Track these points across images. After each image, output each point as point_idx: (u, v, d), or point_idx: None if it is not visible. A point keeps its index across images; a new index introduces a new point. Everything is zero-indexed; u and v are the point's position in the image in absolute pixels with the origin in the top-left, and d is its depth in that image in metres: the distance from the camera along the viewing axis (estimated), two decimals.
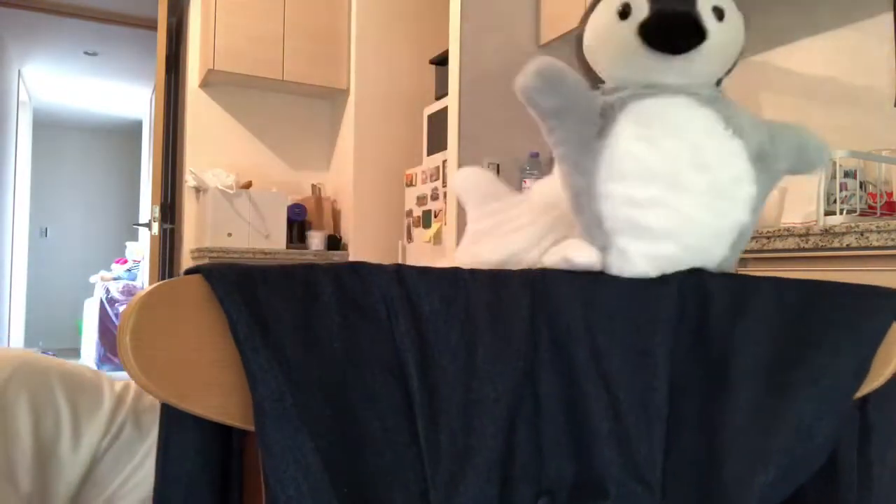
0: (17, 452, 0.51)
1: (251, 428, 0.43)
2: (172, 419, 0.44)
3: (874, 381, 0.49)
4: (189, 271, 0.45)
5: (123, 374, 0.59)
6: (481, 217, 0.71)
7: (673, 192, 0.50)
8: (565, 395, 0.47)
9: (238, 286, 0.44)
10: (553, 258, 0.54)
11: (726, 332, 0.48)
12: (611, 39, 0.55)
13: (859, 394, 0.48)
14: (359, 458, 0.44)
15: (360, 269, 0.49)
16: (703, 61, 0.54)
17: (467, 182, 0.75)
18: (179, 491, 0.44)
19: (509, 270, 0.51)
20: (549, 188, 0.65)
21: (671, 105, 0.52)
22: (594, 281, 0.51)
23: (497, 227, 0.67)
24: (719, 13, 0.53)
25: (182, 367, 0.43)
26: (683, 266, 0.52)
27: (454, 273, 0.50)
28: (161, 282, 0.44)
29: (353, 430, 0.44)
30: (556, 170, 0.57)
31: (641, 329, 0.48)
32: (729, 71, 0.58)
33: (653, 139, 0.51)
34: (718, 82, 0.59)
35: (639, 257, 0.51)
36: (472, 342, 0.47)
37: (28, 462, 0.51)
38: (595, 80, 0.58)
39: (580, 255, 0.52)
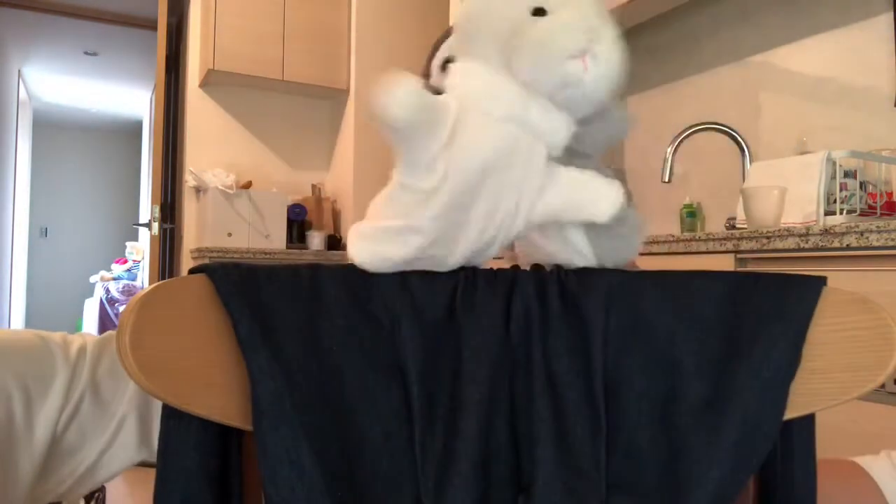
0: None
1: (252, 429, 0.43)
2: (172, 415, 0.44)
3: (869, 384, 0.50)
4: (193, 270, 0.45)
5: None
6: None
7: None
8: (529, 396, 0.48)
9: (242, 286, 0.44)
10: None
11: (665, 330, 0.49)
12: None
13: (846, 396, 0.50)
14: (355, 462, 0.44)
15: (366, 272, 0.49)
16: None
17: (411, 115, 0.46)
18: (179, 486, 0.44)
19: (494, 270, 0.51)
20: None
21: None
22: (549, 276, 0.51)
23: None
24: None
25: (183, 367, 0.43)
26: None
27: (455, 276, 0.50)
28: (162, 281, 0.43)
29: (352, 435, 0.44)
30: None
31: (578, 326, 0.49)
32: None
33: None
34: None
35: None
36: (462, 345, 0.47)
37: None
38: None
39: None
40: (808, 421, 0.51)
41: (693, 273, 0.52)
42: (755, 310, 0.49)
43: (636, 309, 0.50)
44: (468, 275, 0.50)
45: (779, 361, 0.48)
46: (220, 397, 0.43)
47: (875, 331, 0.50)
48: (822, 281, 0.50)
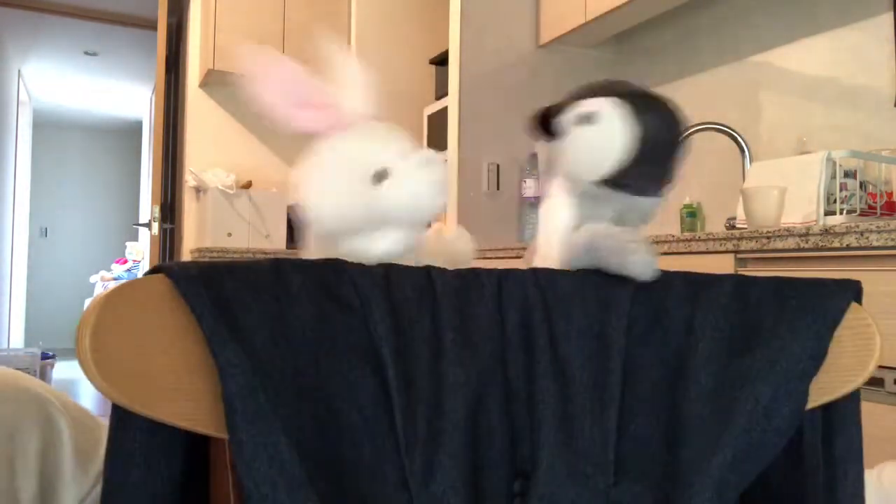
0: (24, 480, 0.53)
1: (222, 435, 0.41)
2: (119, 422, 0.42)
3: (847, 386, 0.49)
4: (150, 271, 0.43)
5: None
6: None
7: None
8: (529, 379, 0.48)
9: (202, 280, 0.42)
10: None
11: (684, 319, 0.49)
12: None
13: (828, 397, 0.49)
14: (336, 451, 0.43)
15: (334, 262, 0.48)
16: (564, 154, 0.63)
17: None
18: (122, 500, 0.42)
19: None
20: None
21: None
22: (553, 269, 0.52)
23: None
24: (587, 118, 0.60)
25: (146, 371, 0.40)
26: None
27: (424, 266, 0.51)
28: (123, 282, 0.42)
29: (330, 423, 0.43)
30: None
31: (597, 313, 0.49)
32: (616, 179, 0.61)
33: None
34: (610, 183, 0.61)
35: None
36: (442, 327, 0.47)
37: (32, 491, 0.53)
38: None
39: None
40: (851, 404, 0.50)
41: (725, 275, 0.52)
42: (781, 303, 0.48)
43: (660, 299, 0.50)
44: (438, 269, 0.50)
45: (799, 354, 0.47)
46: (188, 402, 0.41)
47: (855, 330, 0.49)
48: (856, 283, 0.49)
